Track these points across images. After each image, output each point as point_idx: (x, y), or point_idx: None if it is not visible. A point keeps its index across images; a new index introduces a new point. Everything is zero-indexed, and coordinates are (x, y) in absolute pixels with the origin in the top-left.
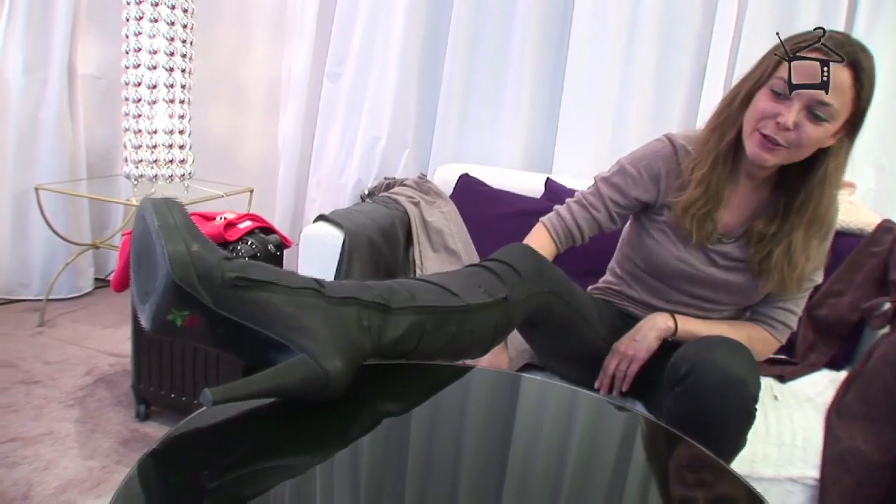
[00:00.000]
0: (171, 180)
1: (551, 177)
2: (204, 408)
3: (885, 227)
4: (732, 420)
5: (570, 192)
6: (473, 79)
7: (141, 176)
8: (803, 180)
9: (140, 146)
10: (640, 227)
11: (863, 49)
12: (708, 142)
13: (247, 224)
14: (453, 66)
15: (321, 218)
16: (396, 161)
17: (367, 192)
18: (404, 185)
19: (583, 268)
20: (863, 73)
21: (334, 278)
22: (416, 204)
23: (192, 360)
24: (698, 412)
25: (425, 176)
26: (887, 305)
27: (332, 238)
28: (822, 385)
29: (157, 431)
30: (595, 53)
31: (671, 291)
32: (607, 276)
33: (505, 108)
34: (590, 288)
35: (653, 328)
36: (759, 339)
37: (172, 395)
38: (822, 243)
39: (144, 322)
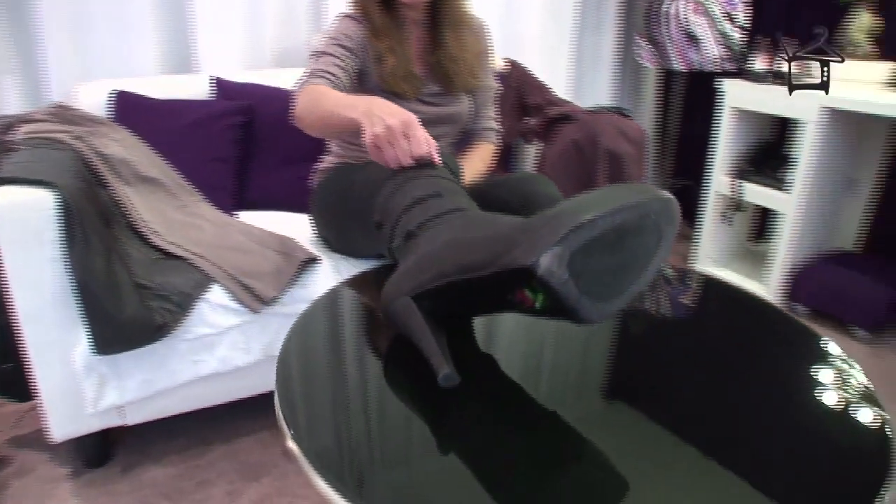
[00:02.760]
0: None
1: (218, 75)
2: None
3: (511, 65)
4: None
5: (245, 87)
6: None
7: None
8: (440, 5)
9: None
10: None
11: None
12: (366, 16)
13: None
14: None
15: (8, 181)
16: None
17: None
18: (35, 120)
19: (297, 155)
20: None
21: (67, 256)
22: (79, 138)
23: None
24: None
25: (63, 104)
26: (533, 121)
27: (41, 203)
28: None
29: None
30: None
31: None
32: (337, 151)
33: (130, 7)
34: (320, 168)
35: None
36: (489, 156)
37: None
38: (477, 39)
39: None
